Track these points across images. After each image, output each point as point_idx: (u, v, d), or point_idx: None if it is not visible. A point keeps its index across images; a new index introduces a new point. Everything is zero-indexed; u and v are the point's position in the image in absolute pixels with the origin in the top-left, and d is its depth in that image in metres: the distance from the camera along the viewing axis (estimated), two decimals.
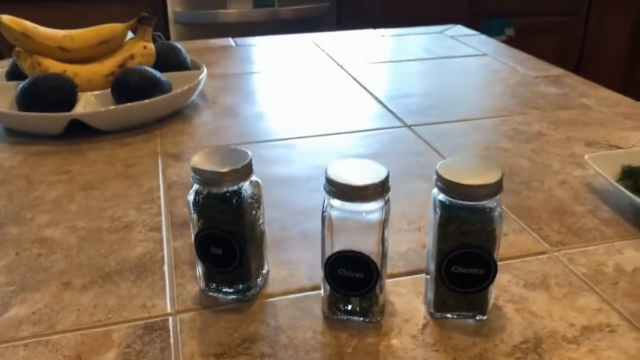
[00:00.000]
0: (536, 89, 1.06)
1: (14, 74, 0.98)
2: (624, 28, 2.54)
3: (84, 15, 1.95)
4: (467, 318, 0.50)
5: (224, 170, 0.47)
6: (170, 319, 0.51)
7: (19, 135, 0.88)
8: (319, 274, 0.50)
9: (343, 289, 0.48)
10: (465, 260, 0.47)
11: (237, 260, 0.50)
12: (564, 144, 0.83)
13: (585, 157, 0.70)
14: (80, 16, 1.95)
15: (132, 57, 0.97)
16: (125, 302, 0.53)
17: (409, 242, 0.61)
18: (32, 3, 1.92)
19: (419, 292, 0.54)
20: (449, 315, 0.50)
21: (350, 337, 0.48)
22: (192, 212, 0.50)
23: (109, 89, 0.92)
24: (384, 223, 0.46)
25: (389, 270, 0.54)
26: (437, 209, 0.47)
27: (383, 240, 0.47)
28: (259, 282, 0.54)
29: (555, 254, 0.59)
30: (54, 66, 0.93)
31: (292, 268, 0.57)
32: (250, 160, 0.49)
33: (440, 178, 0.46)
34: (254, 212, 0.51)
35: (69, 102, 0.89)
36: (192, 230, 0.51)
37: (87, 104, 0.91)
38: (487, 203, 0.46)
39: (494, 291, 0.50)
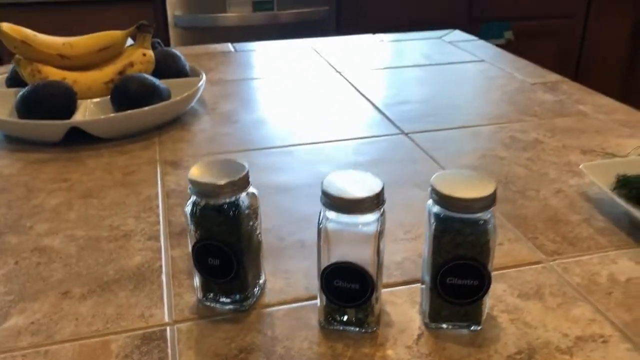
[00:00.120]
0: (534, 96, 1.07)
1: (14, 80, 0.99)
2: (624, 31, 2.55)
3: (83, 20, 1.96)
4: (462, 328, 0.50)
5: (221, 182, 0.48)
6: (168, 328, 0.51)
7: (18, 143, 0.89)
8: (315, 284, 0.50)
9: (339, 300, 0.49)
10: (459, 271, 0.47)
11: (234, 271, 0.50)
12: (560, 152, 0.84)
13: (581, 166, 0.70)
14: (80, 20, 1.96)
15: (131, 64, 0.98)
16: (123, 311, 0.53)
17: (405, 251, 0.62)
18: (32, 8, 1.93)
19: (415, 301, 0.54)
20: (444, 326, 0.51)
21: (347, 348, 0.49)
22: (190, 223, 0.51)
23: (109, 97, 0.93)
24: (380, 234, 0.47)
25: (385, 279, 0.55)
26: (432, 221, 0.48)
27: (379, 252, 0.47)
28: (256, 292, 0.54)
29: (550, 263, 0.60)
30: (53, 74, 0.93)
31: (289, 278, 0.58)
32: (247, 172, 0.50)
33: (434, 190, 0.47)
34: (251, 223, 0.51)
35: (69, 110, 0.90)
36: (189, 241, 0.52)
37: (87, 112, 0.92)
38: (481, 215, 0.47)
39: (488, 301, 0.51)
